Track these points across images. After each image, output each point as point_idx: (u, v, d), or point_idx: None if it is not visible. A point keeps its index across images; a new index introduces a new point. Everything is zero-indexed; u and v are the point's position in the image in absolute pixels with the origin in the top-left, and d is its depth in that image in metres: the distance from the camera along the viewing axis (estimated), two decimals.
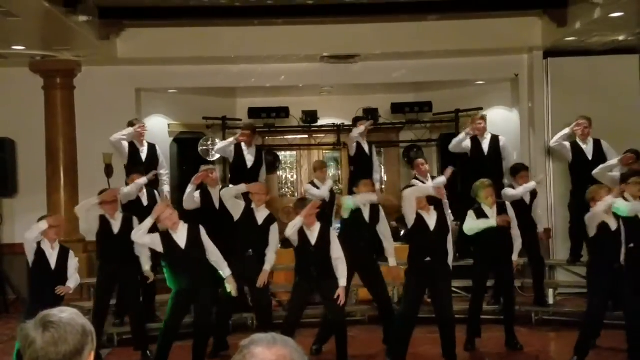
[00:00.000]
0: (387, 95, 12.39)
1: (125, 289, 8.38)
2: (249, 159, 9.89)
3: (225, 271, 7.59)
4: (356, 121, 11.09)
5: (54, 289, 7.21)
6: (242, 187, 8.33)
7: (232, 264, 7.90)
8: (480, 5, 10.04)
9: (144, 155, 9.75)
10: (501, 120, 11.70)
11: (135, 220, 8.13)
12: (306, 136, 12.94)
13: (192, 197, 8.76)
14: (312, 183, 10.08)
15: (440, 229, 7.52)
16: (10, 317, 10.13)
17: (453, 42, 10.86)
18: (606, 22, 9.26)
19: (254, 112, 12.10)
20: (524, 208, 8.96)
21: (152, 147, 9.89)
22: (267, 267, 8.03)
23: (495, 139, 10.06)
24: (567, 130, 9.85)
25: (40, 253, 7.31)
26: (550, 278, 10.30)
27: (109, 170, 10.98)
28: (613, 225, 7.31)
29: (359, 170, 10.11)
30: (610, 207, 7.24)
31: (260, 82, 11.72)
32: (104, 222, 8.20)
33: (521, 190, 9.03)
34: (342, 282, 7.40)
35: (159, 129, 11.95)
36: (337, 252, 7.47)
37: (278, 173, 13.10)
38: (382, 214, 8.51)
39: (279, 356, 1.90)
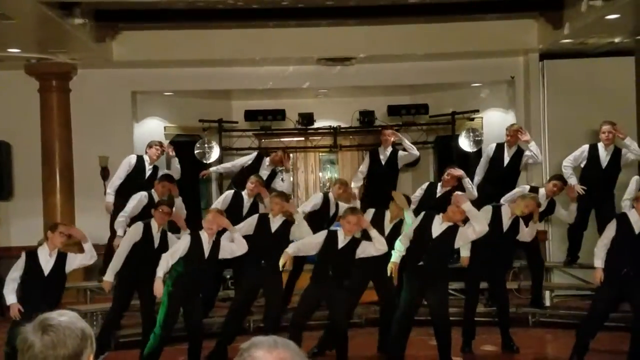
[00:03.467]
0: (384, 98, 12.36)
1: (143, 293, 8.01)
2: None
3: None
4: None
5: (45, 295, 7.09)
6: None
7: (246, 275, 7.94)
8: (476, 7, 10.03)
9: (147, 173, 9.57)
10: (497, 123, 11.68)
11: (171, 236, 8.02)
12: (302, 139, 12.91)
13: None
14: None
15: (443, 238, 7.40)
16: (6, 321, 10.04)
17: (449, 44, 10.85)
18: (602, 24, 9.27)
19: (250, 115, 12.08)
20: None
21: (155, 168, 9.70)
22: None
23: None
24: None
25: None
26: (546, 280, 10.29)
27: (104, 173, 10.97)
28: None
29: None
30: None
31: (256, 85, 11.70)
32: (147, 230, 7.93)
33: None
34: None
35: (154, 131, 11.90)
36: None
37: None
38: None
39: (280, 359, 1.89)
